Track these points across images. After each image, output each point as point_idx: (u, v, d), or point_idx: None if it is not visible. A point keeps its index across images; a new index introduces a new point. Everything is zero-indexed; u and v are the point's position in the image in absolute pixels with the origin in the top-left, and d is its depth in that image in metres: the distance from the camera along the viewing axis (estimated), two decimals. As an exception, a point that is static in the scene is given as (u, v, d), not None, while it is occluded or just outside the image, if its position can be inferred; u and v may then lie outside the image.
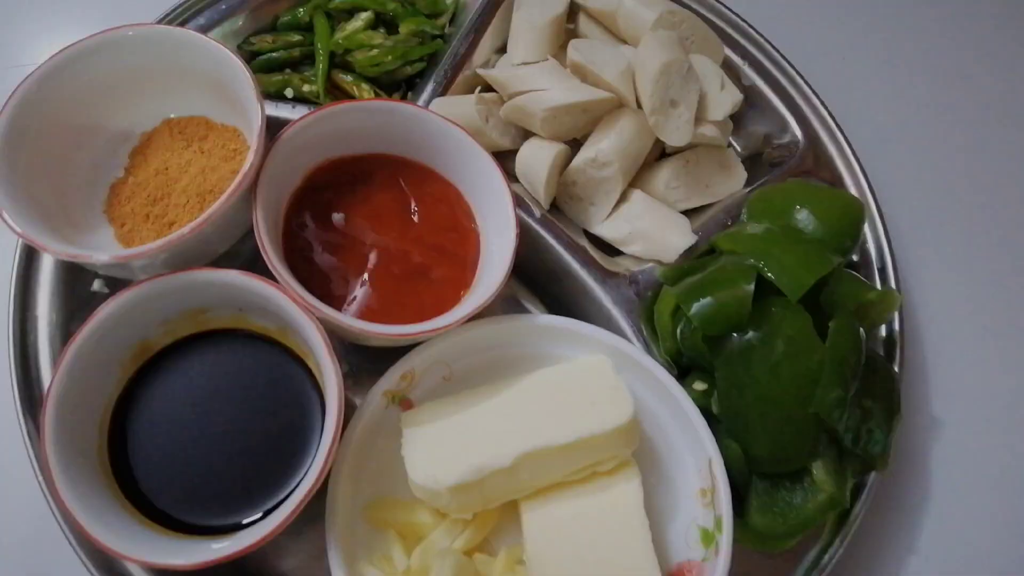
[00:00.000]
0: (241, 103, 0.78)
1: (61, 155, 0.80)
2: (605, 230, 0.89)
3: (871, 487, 0.79)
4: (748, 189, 0.91)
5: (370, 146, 0.83)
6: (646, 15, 0.90)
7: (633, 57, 0.89)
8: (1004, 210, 0.97)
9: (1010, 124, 1.04)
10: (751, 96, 0.97)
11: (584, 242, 0.90)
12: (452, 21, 1.00)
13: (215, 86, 0.80)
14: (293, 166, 0.79)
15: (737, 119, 0.98)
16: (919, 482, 0.85)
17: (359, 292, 0.78)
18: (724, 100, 0.88)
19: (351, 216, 0.81)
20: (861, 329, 0.77)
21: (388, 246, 0.80)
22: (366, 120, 0.81)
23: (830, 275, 0.77)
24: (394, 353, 0.78)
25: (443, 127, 0.81)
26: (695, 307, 0.76)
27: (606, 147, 0.86)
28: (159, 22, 0.91)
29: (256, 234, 0.71)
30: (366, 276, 0.79)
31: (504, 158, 0.92)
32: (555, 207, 0.92)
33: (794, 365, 0.74)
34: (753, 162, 0.96)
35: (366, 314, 0.77)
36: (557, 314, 0.87)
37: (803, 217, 0.83)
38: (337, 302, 0.77)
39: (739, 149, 0.98)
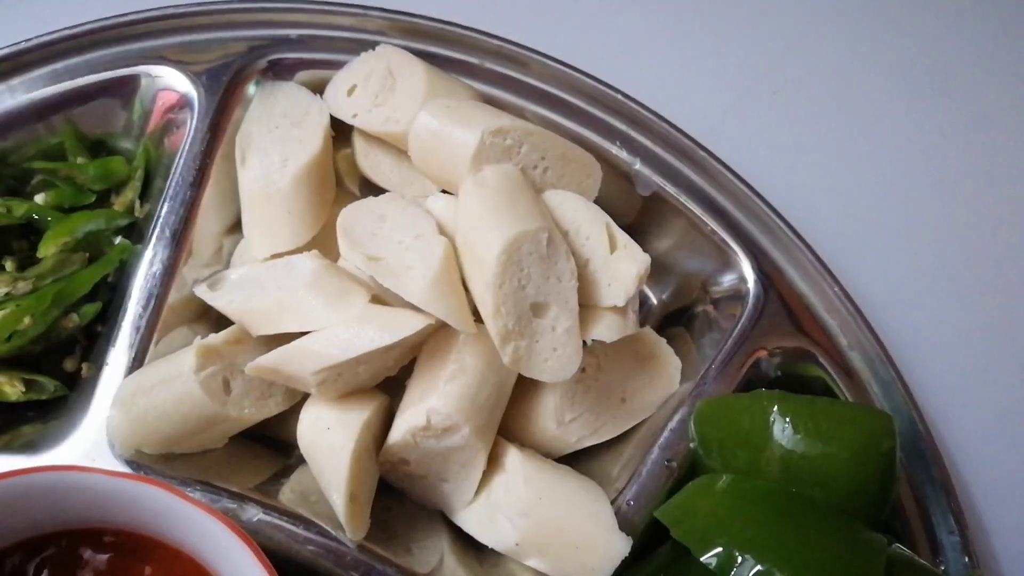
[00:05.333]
0: None
1: None
2: (475, 526, 0.52)
3: None
4: (689, 387, 0.56)
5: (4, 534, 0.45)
6: (459, 143, 0.52)
7: (448, 217, 0.52)
8: None
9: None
10: (655, 212, 0.61)
11: (443, 542, 0.54)
12: (145, 192, 0.60)
13: None
14: None
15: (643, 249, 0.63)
16: None
17: None
18: (623, 271, 0.51)
19: None
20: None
21: None
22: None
23: None
24: None
25: (121, 489, 0.43)
26: None
27: (442, 405, 0.49)
28: None
29: None
30: None
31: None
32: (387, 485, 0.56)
33: None
34: (687, 319, 0.62)
35: None
36: None
37: (796, 452, 0.49)
38: None
39: (652, 299, 0.64)
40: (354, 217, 0.52)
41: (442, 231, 0.51)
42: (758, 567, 0.43)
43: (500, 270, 0.47)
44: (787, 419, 0.49)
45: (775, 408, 0.49)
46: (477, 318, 0.50)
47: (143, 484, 0.43)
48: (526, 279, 0.48)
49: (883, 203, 0.68)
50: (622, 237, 0.52)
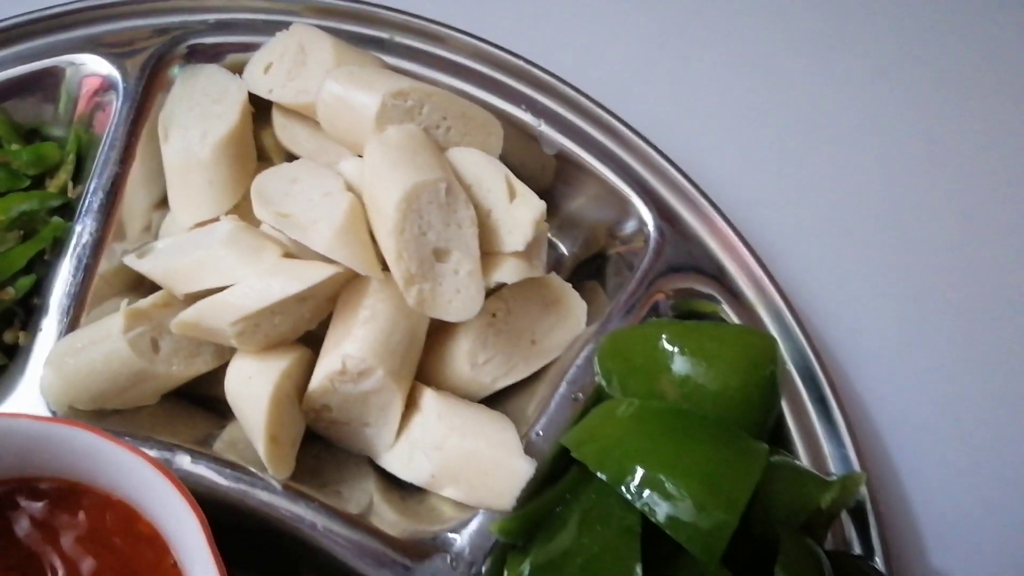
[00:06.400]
0: None
1: None
2: (396, 464, 0.56)
3: None
4: (595, 327, 0.60)
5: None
6: (362, 105, 0.55)
7: (357, 178, 0.56)
8: (957, 282, 0.68)
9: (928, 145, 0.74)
10: (564, 167, 0.65)
11: (371, 486, 0.57)
12: (79, 174, 0.63)
13: None
14: None
15: (553, 205, 0.64)
16: None
17: None
18: (521, 217, 0.55)
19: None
20: (824, 555, 0.49)
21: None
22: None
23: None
24: None
25: (47, 433, 0.46)
26: (558, 630, 0.46)
27: (356, 349, 0.52)
28: None
29: None
30: None
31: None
32: (315, 435, 0.59)
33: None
34: (597, 266, 0.66)
35: None
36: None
37: (687, 377, 0.53)
38: None
39: (564, 250, 0.67)
40: (267, 180, 0.55)
41: (351, 190, 0.55)
42: (646, 473, 0.47)
43: (400, 217, 0.50)
44: (675, 344, 0.52)
45: (664, 335, 0.53)
46: (386, 269, 0.53)
47: (71, 427, 0.46)
48: (427, 226, 0.51)
49: (782, 154, 0.72)
50: (520, 187, 0.55)
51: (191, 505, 0.46)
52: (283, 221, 0.52)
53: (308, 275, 0.51)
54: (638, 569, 0.43)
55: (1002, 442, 0.63)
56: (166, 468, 0.47)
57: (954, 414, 0.64)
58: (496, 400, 0.59)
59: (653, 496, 0.46)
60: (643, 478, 0.47)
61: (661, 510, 0.46)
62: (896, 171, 0.71)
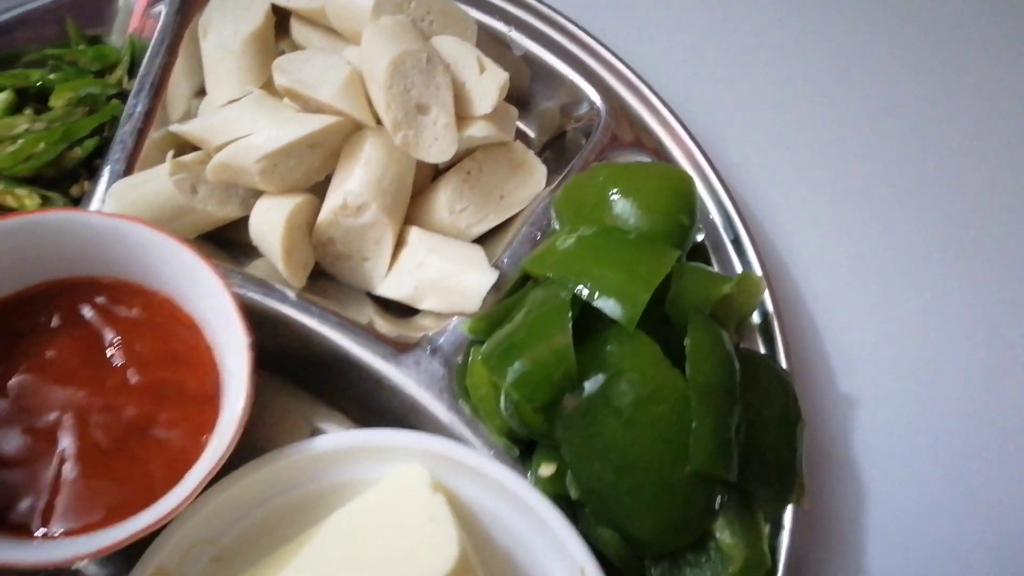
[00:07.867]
0: None
1: None
2: (389, 289, 0.68)
3: (793, 527, 0.62)
4: (553, 186, 0.72)
5: (24, 277, 0.60)
6: (362, 1, 0.70)
7: (358, 61, 0.69)
8: (856, 151, 0.81)
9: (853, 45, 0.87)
10: (530, 67, 0.78)
11: (369, 312, 0.69)
12: (132, 72, 0.77)
13: None
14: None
15: (523, 100, 0.79)
16: (848, 498, 0.69)
17: (54, 490, 0.55)
18: (487, 85, 0.68)
19: (21, 384, 0.58)
20: (725, 334, 0.60)
21: (82, 409, 0.58)
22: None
23: (670, 277, 0.60)
24: (134, 549, 0.56)
25: (112, 227, 0.59)
26: (509, 376, 0.56)
27: (355, 186, 0.65)
28: None
29: None
30: (57, 462, 0.56)
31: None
32: (324, 275, 0.71)
33: (653, 412, 0.55)
34: (559, 147, 0.78)
35: (69, 519, 0.55)
36: (356, 418, 0.67)
37: (621, 208, 0.65)
38: (25, 516, 0.55)
39: (533, 135, 0.80)
40: (285, 60, 0.68)
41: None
42: (581, 269, 0.59)
43: (388, 76, 0.63)
44: (610, 182, 0.64)
45: (602, 176, 0.65)
46: (380, 124, 0.66)
47: (129, 222, 0.58)
48: (411, 85, 0.64)
49: (726, 56, 0.87)
50: (488, 63, 0.68)
51: (226, 287, 0.58)
52: (297, 84, 0.65)
53: (316, 122, 0.64)
54: (568, 315, 0.55)
55: (907, 283, 0.75)
56: (210, 258, 0.59)
57: (864, 265, 0.75)
58: (471, 247, 0.71)
59: (586, 282, 0.58)
60: (579, 272, 0.58)
61: (591, 291, 0.57)
62: (820, 71, 0.84)
